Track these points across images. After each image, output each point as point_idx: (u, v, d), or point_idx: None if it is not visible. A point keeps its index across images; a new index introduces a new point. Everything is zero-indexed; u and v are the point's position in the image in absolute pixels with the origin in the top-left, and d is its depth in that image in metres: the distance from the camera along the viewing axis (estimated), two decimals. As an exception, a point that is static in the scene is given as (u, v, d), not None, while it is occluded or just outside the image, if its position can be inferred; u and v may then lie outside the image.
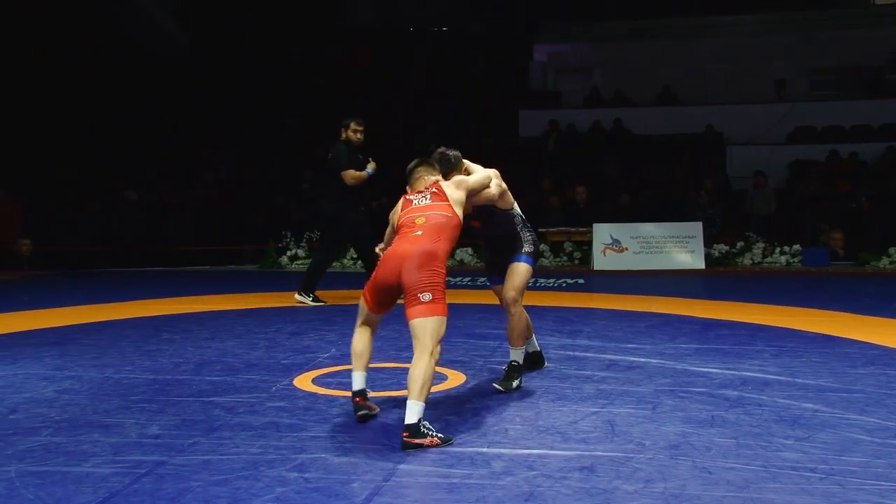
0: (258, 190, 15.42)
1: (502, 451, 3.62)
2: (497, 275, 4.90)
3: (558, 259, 12.68)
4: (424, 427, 3.63)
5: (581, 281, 10.60)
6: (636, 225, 12.42)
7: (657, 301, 8.39)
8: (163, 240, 13.69)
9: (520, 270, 4.74)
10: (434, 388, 4.72)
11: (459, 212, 4.11)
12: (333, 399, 4.53)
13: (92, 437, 3.86)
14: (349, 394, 4.58)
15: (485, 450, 3.63)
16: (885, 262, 12.04)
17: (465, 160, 4.74)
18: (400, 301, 4.00)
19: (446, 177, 4.40)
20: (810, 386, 4.75)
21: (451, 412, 4.24)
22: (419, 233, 3.94)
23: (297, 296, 8.57)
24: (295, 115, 18.18)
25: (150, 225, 13.98)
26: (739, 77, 19.13)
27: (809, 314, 7.55)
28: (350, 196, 8.23)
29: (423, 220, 4.00)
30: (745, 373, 5.09)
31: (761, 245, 12.46)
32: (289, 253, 13.15)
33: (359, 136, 8.26)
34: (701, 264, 12.06)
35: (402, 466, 3.41)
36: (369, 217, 8.41)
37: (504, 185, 4.66)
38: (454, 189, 4.19)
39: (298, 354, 5.79)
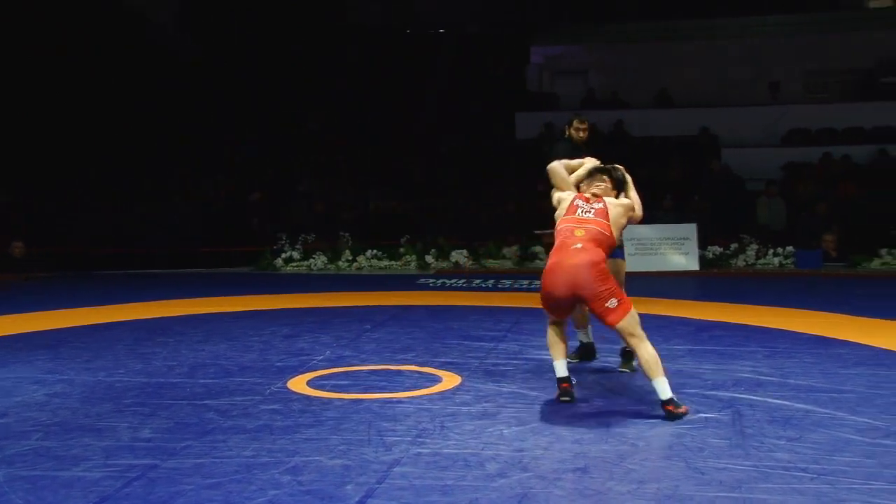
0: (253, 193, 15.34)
1: (497, 452, 3.62)
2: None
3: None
4: (675, 399, 4.15)
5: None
6: (630, 227, 12.42)
7: (651, 302, 8.39)
8: (162, 242, 13.61)
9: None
10: (429, 390, 4.75)
11: (616, 233, 4.50)
12: (328, 401, 4.52)
13: (83, 440, 3.85)
14: (344, 396, 4.60)
15: (479, 451, 3.63)
16: (876, 263, 12.09)
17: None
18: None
19: (617, 195, 4.68)
20: (802, 386, 4.76)
21: (447, 414, 4.24)
22: (579, 245, 4.30)
23: None
24: (313, 119, 18.05)
25: (156, 228, 13.90)
26: (734, 79, 19.16)
27: (802, 315, 7.56)
28: None
29: (583, 232, 4.36)
30: (737, 374, 5.10)
31: (755, 247, 12.49)
32: (283, 255, 13.13)
33: (581, 133, 7.94)
34: (695, 266, 12.08)
35: (396, 469, 3.41)
36: None
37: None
38: (618, 213, 4.53)
39: (293, 357, 5.78)
